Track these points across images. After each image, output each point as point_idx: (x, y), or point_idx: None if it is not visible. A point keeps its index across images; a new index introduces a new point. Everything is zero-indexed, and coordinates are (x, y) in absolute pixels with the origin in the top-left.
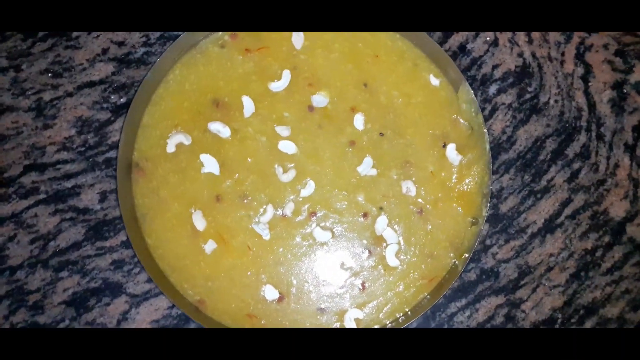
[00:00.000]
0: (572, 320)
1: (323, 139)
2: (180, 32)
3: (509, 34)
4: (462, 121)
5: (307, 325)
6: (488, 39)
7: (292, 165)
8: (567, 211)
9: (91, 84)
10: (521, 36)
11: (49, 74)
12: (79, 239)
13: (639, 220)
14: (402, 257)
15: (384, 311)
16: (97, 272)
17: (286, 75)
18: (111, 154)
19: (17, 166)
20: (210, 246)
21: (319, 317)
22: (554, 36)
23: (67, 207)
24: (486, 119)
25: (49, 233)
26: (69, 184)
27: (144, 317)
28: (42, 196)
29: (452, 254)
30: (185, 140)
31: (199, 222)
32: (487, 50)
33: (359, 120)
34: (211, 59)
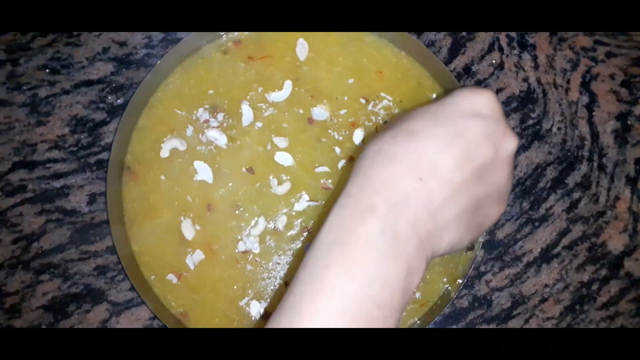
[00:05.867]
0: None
1: (321, 152)
2: (182, 36)
3: (515, 59)
4: None
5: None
6: (494, 61)
7: (288, 177)
8: (565, 241)
9: (89, 83)
10: (527, 61)
11: (47, 70)
12: (63, 242)
13: (637, 255)
14: None
15: None
16: (80, 277)
17: (288, 85)
18: (103, 155)
19: (5, 162)
20: (197, 256)
21: None
22: (560, 63)
23: (53, 208)
24: None
25: (33, 233)
26: (57, 184)
27: (124, 327)
28: (29, 195)
29: (445, 279)
30: (180, 145)
31: (188, 230)
32: (492, 73)
33: (358, 136)
34: (213, 65)
